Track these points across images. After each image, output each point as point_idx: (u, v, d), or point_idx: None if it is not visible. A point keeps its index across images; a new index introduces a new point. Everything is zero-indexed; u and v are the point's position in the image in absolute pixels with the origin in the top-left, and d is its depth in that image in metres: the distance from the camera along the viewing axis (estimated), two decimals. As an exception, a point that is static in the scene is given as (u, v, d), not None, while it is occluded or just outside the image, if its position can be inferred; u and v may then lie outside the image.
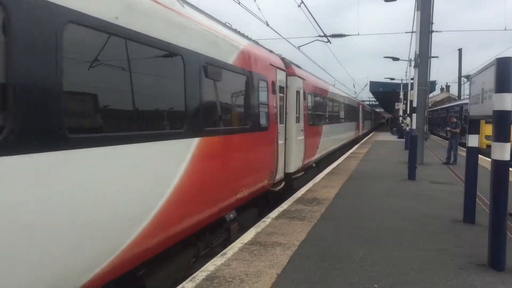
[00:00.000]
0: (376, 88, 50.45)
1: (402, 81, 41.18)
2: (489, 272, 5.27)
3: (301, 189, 11.03)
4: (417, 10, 14.94)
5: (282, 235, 6.71)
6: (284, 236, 6.65)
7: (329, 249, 6.04)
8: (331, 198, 9.75)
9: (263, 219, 7.72)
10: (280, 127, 10.40)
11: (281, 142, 10.37)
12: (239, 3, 10.89)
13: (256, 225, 7.35)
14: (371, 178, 13.12)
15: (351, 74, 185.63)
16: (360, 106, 38.84)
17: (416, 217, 8.11)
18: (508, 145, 5.29)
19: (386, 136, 42.00)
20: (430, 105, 55.28)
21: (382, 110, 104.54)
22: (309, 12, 15.55)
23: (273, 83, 9.73)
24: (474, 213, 7.67)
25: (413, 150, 13.47)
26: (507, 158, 5.32)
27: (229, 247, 6.12)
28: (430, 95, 61.46)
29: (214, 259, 5.58)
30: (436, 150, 23.83)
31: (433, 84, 43.86)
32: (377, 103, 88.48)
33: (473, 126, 7.57)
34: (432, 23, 18.56)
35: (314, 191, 10.62)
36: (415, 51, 15.01)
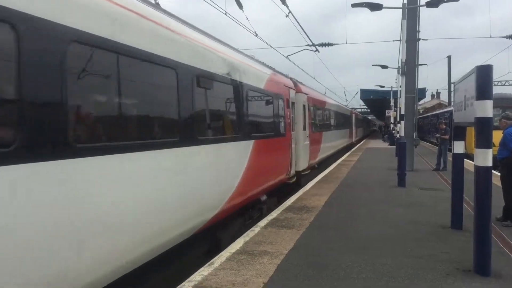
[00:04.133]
0: (367, 95, 50.62)
1: (392, 88, 41.41)
2: (475, 277, 5.31)
3: (291, 197, 11.05)
4: (403, 19, 15.10)
5: (270, 243, 6.72)
6: (273, 244, 6.66)
7: (317, 258, 6.06)
8: (320, 206, 9.78)
9: (252, 228, 7.72)
10: (293, 134, 12.83)
11: (293, 146, 12.68)
12: (225, 14, 10.96)
13: (245, 234, 7.35)
14: (361, 185, 13.17)
15: (341, 82, 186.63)
16: (353, 115, 40.81)
17: (405, 224, 8.15)
18: (490, 151, 5.36)
19: (377, 143, 42.20)
20: (420, 111, 55.70)
21: (373, 117, 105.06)
22: (297, 21, 15.67)
23: (287, 100, 12.13)
24: (461, 219, 7.72)
25: (402, 157, 13.57)
26: (490, 164, 5.39)
27: (216, 256, 6.12)
28: (421, 102, 61.91)
29: (202, 269, 5.57)
30: (427, 156, 23.98)
31: (423, 91, 44.13)
32: (368, 110, 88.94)
33: (458, 132, 7.66)
34: (419, 31, 18.76)
35: (303, 199, 10.65)
36: (402, 59, 15.15)
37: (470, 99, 5.75)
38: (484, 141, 5.37)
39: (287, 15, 14.19)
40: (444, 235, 7.33)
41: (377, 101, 51.29)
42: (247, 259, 5.96)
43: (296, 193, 11.68)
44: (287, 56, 20.65)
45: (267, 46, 17.67)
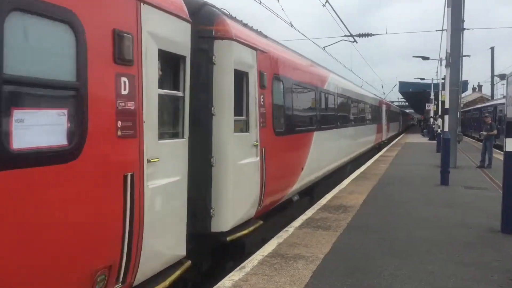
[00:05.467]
0: (406, 88, 49.40)
1: (432, 81, 40.02)
2: (534, 291, 4.78)
3: (326, 195, 10.60)
4: (447, 7, 14.31)
5: (305, 246, 6.33)
6: (308, 247, 6.27)
7: (356, 263, 5.64)
8: (358, 205, 9.30)
9: (286, 229, 7.36)
10: (163, 144, 4.60)
11: (160, 182, 4.48)
12: (260, 3, 10.58)
13: (278, 235, 7.00)
14: (401, 183, 12.58)
15: (379, 74, 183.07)
16: (384, 105, 32.20)
17: (450, 226, 7.60)
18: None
19: (416, 138, 40.96)
20: (462, 105, 53.71)
21: (412, 111, 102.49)
22: (335, 11, 15.14)
23: (117, 37, 3.82)
24: (514, 222, 7.12)
25: (446, 153, 12.82)
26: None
27: (248, 259, 5.79)
28: (462, 95, 59.68)
29: (232, 273, 5.26)
30: (469, 152, 22.90)
31: (465, 84, 42.45)
32: (407, 104, 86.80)
33: (511, 129, 7.03)
34: (463, 21, 17.83)
35: (340, 198, 10.19)
36: (446, 50, 14.36)
37: (530, 92, 5.17)
38: (547, 140, 4.80)
39: (324, 5, 13.69)
40: (495, 240, 6.77)
41: (416, 94, 49.89)
42: (280, 263, 5.60)
43: (332, 191, 11.22)
44: (324, 47, 20.08)
45: (303, 37, 17.19)
